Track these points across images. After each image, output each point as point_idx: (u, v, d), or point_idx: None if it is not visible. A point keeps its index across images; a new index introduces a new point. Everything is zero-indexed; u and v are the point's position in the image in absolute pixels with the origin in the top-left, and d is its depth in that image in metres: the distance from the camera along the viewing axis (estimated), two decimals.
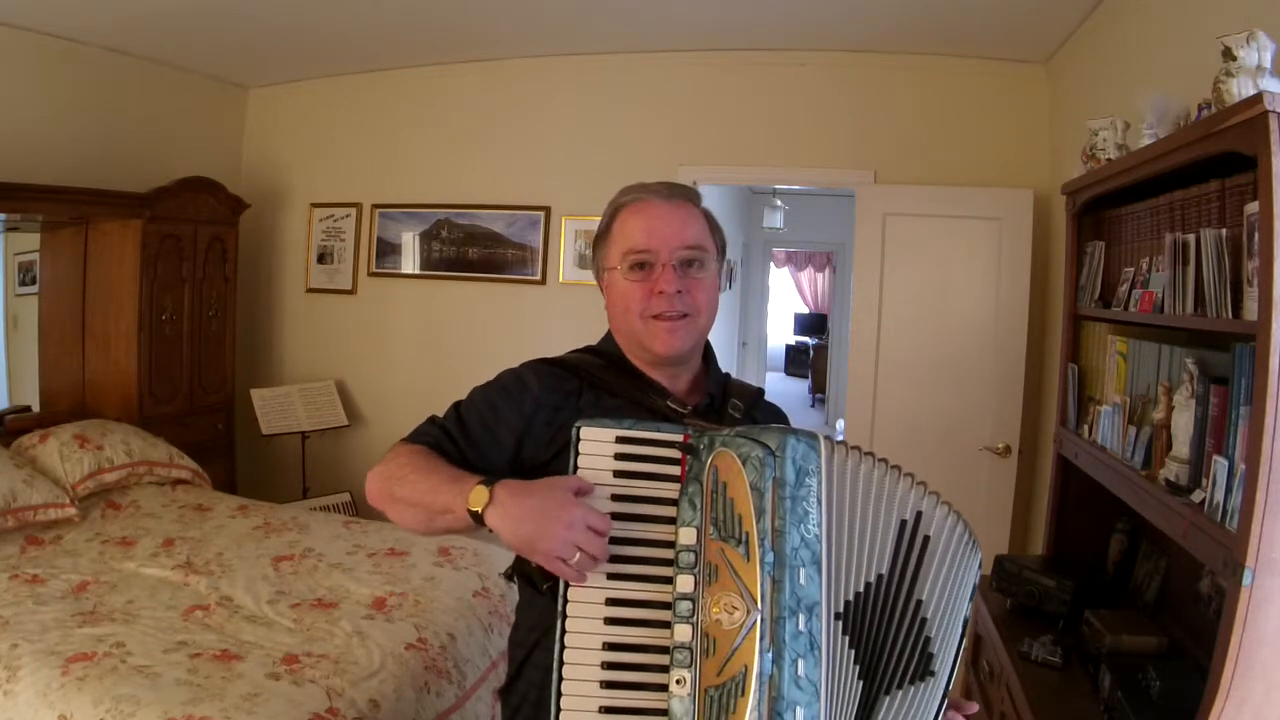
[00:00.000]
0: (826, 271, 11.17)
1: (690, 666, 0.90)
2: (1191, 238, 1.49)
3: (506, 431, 1.16)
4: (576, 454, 1.00)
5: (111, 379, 3.61)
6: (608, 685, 0.93)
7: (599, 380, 1.20)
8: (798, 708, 0.88)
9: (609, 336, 1.28)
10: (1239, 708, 1.21)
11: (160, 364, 3.70)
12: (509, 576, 1.15)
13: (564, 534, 0.92)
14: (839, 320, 8.27)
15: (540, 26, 3.57)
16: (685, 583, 0.93)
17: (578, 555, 0.93)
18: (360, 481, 1.58)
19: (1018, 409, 3.29)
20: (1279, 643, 1.20)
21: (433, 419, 1.21)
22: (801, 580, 0.92)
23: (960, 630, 1.02)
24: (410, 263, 4.29)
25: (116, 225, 3.53)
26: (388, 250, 4.32)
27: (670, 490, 0.98)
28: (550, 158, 4.03)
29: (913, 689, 0.98)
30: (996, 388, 3.32)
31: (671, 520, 0.97)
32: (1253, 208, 1.27)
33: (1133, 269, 1.88)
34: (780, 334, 11.69)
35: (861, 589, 0.98)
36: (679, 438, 1.00)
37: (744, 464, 0.94)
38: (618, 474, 0.99)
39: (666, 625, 0.93)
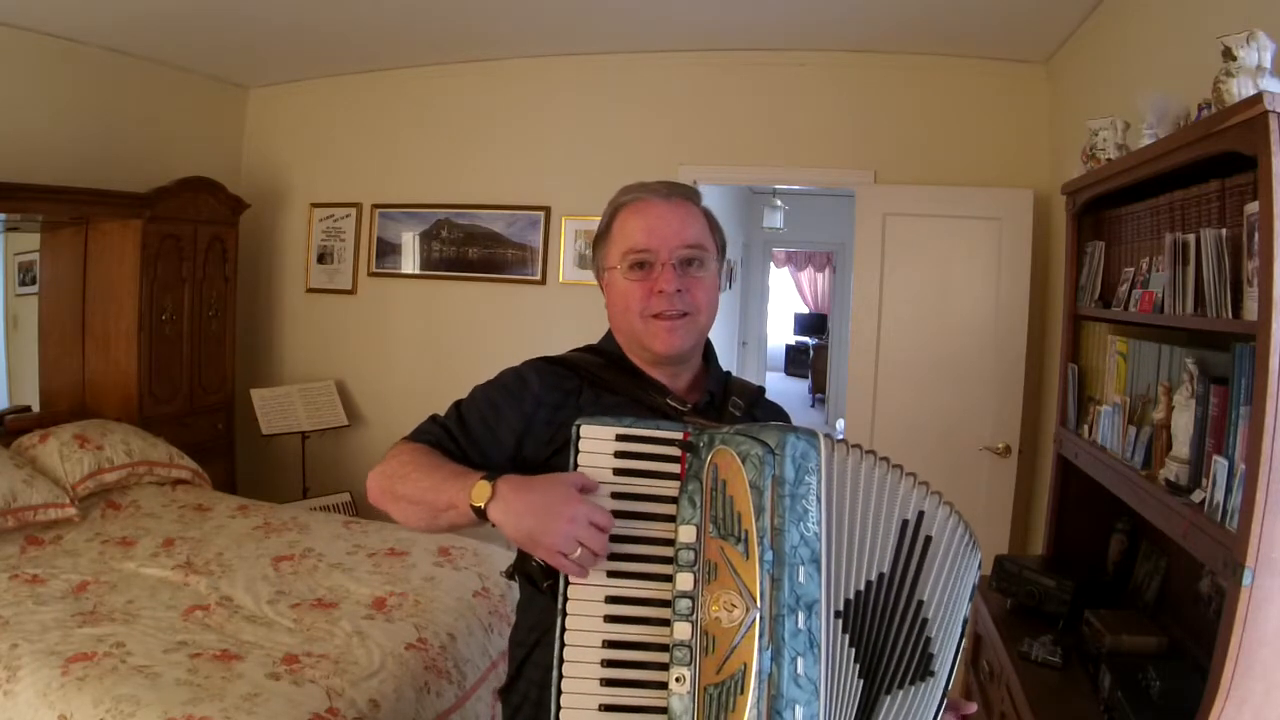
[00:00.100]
0: (826, 271, 11.17)
1: (690, 664, 0.90)
2: (1191, 238, 1.49)
3: (507, 430, 1.16)
4: (576, 452, 1.00)
5: (111, 379, 3.61)
6: (608, 683, 0.93)
7: (599, 378, 1.20)
8: (797, 706, 0.88)
9: (609, 336, 1.28)
10: (1239, 708, 1.21)
11: (160, 364, 3.70)
12: (510, 575, 1.15)
13: (566, 528, 0.93)
14: (839, 320, 8.27)
15: (540, 26, 3.57)
16: (685, 580, 0.93)
17: (579, 550, 0.93)
18: (360, 481, 1.58)
19: (1018, 409, 3.30)
20: (1279, 643, 1.20)
21: (434, 417, 1.22)
22: (801, 578, 0.92)
23: (960, 630, 1.02)
24: (410, 263, 4.29)
25: (116, 225, 3.53)
26: (388, 250, 4.32)
27: (670, 488, 0.98)
28: (550, 158, 4.03)
29: (913, 689, 0.98)
30: (996, 388, 3.32)
31: (671, 518, 0.97)
32: (1253, 208, 1.27)
33: (1133, 269, 1.88)
34: (780, 334, 11.69)
35: (862, 587, 0.98)
36: (679, 435, 1.00)
37: (743, 462, 0.94)
38: (618, 472, 0.99)
39: (666, 623, 0.93)
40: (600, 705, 0.93)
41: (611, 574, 0.96)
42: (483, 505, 0.98)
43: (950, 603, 1.01)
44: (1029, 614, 2.05)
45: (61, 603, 2.29)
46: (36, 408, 3.52)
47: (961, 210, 3.36)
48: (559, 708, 0.93)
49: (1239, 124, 1.26)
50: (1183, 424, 1.48)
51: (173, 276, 3.74)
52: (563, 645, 0.95)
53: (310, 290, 4.47)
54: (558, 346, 1.31)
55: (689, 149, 3.83)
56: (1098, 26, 2.80)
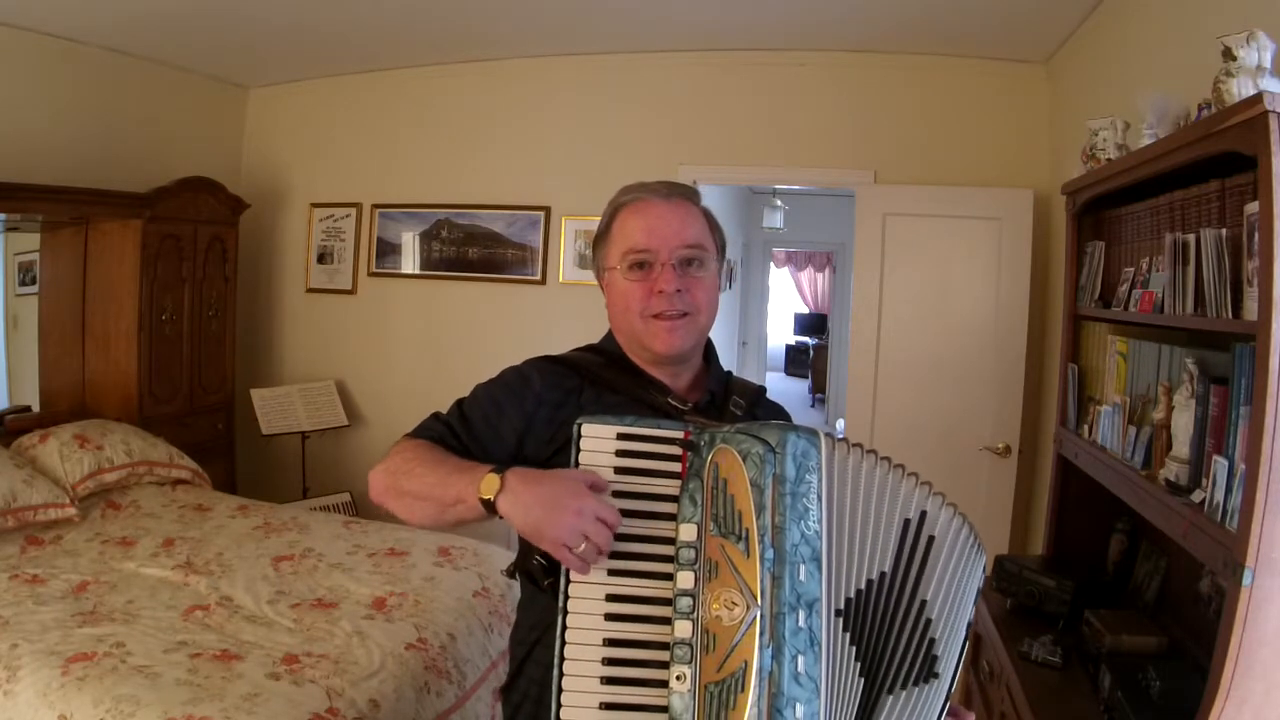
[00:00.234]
0: (826, 271, 11.17)
1: (690, 662, 0.90)
2: (1191, 238, 1.49)
3: (509, 427, 1.17)
4: (578, 450, 1.00)
5: (111, 379, 3.61)
6: (608, 681, 0.93)
7: (600, 377, 1.20)
8: (797, 704, 0.88)
9: (609, 336, 1.28)
10: (1239, 708, 1.21)
11: (160, 364, 3.70)
12: (510, 574, 1.15)
13: (573, 521, 0.93)
14: (839, 320, 8.27)
15: (540, 26, 3.58)
16: (685, 579, 0.93)
17: (584, 544, 0.93)
18: (360, 482, 1.58)
19: (1018, 409, 3.30)
20: (1279, 643, 1.20)
21: (436, 415, 1.23)
22: (801, 576, 0.92)
23: (964, 633, 1.01)
24: (410, 263, 4.29)
25: (116, 225, 3.53)
26: (388, 250, 4.32)
27: (671, 486, 0.98)
28: (550, 158, 4.03)
29: (916, 690, 0.98)
30: (996, 388, 3.32)
31: (672, 516, 0.97)
32: (1253, 208, 1.27)
33: (1133, 269, 1.88)
34: (780, 334, 11.70)
35: (863, 586, 0.98)
36: (680, 434, 1.00)
37: (744, 460, 0.94)
38: (619, 470, 0.99)
39: (667, 621, 0.93)
40: (601, 703, 0.93)
41: (612, 572, 0.96)
42: (492, 498, 0.99)
43: (954, 604, 1.01)
44: (1029, 614, 2.05)
45: (61, 603, 2.28)
46: (36, 408, 3.52)
47: (961, 210, 3.36)
48: (560, 705, 0.93)
49: (1239, 124, 1.26)
50: (1183, 424, 1.48)
51: (173, 276, 3.74)
52: (563, 643, 0.95)
53: (310, 290, 4.47)
54: (558, 346, 1.31)
55: (689, 149, 3.83)
56: (1098, 26, 2.80)
